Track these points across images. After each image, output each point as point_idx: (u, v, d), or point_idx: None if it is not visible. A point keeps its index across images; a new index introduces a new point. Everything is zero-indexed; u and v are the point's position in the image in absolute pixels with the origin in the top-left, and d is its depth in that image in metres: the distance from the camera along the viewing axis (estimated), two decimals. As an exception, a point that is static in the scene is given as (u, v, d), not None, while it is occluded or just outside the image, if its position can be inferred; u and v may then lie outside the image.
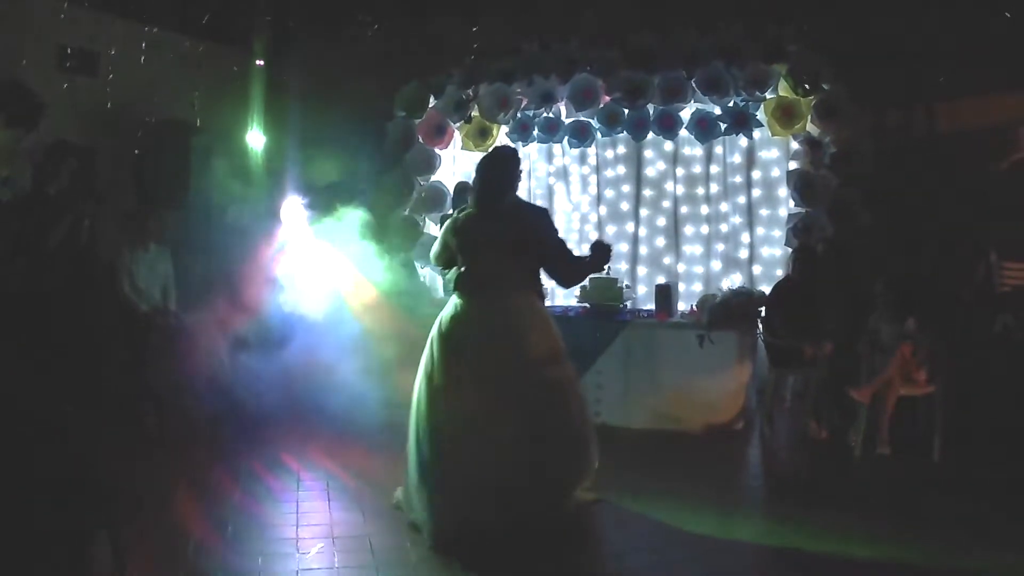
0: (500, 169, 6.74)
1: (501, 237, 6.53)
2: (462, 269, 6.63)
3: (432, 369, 6.49)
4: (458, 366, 6.42)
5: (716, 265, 11.54)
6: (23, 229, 5.54)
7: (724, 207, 11.49)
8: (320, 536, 6.56)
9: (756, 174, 11.29)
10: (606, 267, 7.29)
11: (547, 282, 7.27)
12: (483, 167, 6.77)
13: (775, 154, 11.14)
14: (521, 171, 6.97)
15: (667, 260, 11.79)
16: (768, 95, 10.29)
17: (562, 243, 6.95)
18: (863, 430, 8.68)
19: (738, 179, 11.37)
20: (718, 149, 11.48)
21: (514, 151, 7.12)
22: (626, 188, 12.03)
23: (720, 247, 11.53)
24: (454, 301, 6.62)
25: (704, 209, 11.66)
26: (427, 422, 6.42)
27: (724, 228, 11.50)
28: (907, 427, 8.71)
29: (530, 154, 12.42)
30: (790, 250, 10.13)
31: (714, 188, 11.58)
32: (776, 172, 11.10)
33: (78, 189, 8.16)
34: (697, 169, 11.66)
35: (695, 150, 11.61)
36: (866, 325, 9.03)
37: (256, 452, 8.71)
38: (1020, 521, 6.95)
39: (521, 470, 6.25)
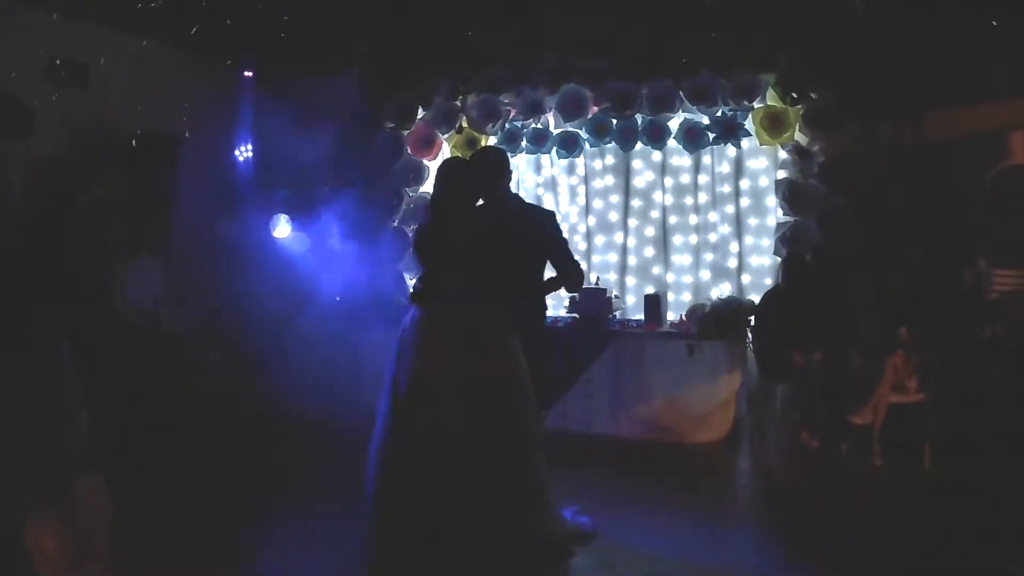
0: (448, 178, 6.61)
1: (451, 247, 6.40)
2: (417, 278, 6.62)
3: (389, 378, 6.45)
4: (398, 379, 6.37)
5: (705, 275, 11.53)
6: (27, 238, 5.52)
7: (713, 217, 11.48)
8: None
9: (744, 183, 11.27)
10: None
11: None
12: (436, 175, 6.69)
13: (763, 163, 11.13)
14: (481, 178, 6.80)
15: (656, 270, 11.77)
16: (756, 104, 10.31)
17: (530, 256, 6.82)
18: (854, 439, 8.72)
19: (726, 188, 11.35)
20: (706, 159, 11.46)
21: (462, 161, 7.18)
22: (614, 199, 12.02)
23: (709, 257, 11.52)
24: (410, 310, 6.54)
25: (693, 219, 11.63)
26: (381, 435, 6.39)
27: (713, 238, 11.49)
28: (897, 435, 8.73)
29: (518, 165, 12.40)
30: (779, 259, 10.14)
31: (703, 198, 11.56)
32: (764, 181, 11.10)
33: (107, 203, 8.22)
34: (686, 179, 11.65)
35: (683, 160, 11.60)
36: (856, 334, 9.04)
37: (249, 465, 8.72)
38: (1015, 528, 6.97)
39: (447, 503, 6.18)
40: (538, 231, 6.87)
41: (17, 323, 4.44)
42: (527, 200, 12.06)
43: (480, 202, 6.80)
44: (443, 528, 6.12)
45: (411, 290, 6.69)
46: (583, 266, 11.68)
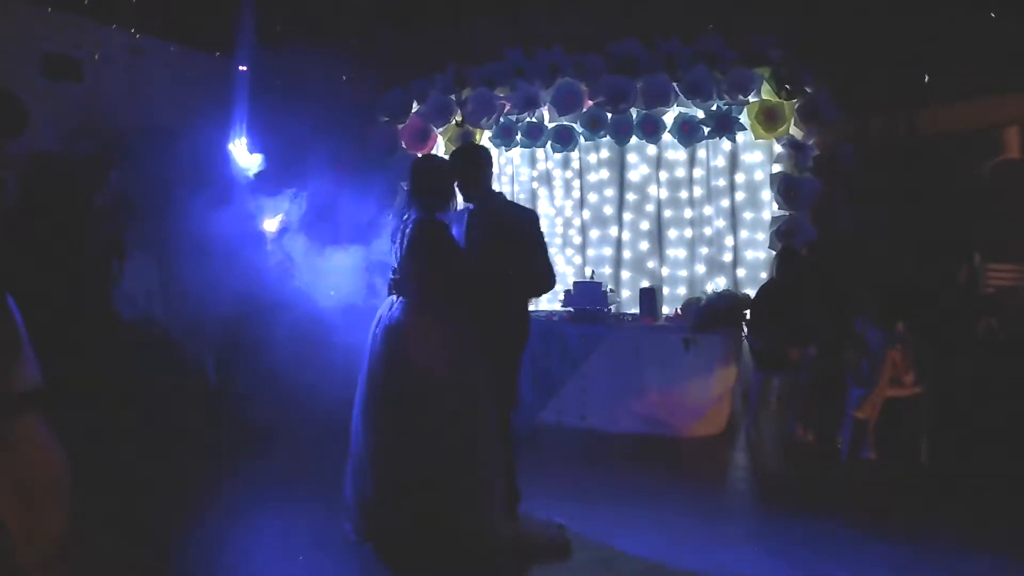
0: (411, 176, 6.68)
1: (406, 243, 6.44)
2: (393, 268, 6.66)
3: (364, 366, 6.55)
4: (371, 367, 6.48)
5: (700, 268, 11.53)
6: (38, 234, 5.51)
7: (708, 210, 11.49)
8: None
9: (740, 177, 11.25)
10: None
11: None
12: (412, 171, 6.71)
13: (759, 157, 11.13)
14: (441, 177, 6.69)
15: (651, 264, 11.78)
16: (751, 98, 10.31)
17: (508, 255, 6.63)
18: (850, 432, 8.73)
19: (721, 182, 11.35)
20: (701, 152, 11.46)
21: (426, 160, 7.13)
22: (609, 192, 12.01)
23: (704, 250, 11.52)
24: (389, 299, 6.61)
25: (688, 212, 11.64)
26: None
27: (708, 231, 11.49)
28: (893, 429, 8.74)
29: (513, 159, 12.44)
30: (774, 253, 10.15)
31: (697, 191, 11.56)
32: (759, 175, 11.10)
33: (121, 200, 8.21)
34: (681, 173, 11.64)
35: (678, 154, 11.59)
36: (851, 328, 9.05)
37: (243, 462, 8.72)
38: (1011, 522, 6.99)
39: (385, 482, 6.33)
40: (519, 231, 6.81)
41: None
42: (519, 196, 12.16)
43: (460, 198, 6.81)
44: (393, 518, 6.31)
45: (390, 279, 6.66)
46: (578, 260, 11.73)
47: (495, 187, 7.18)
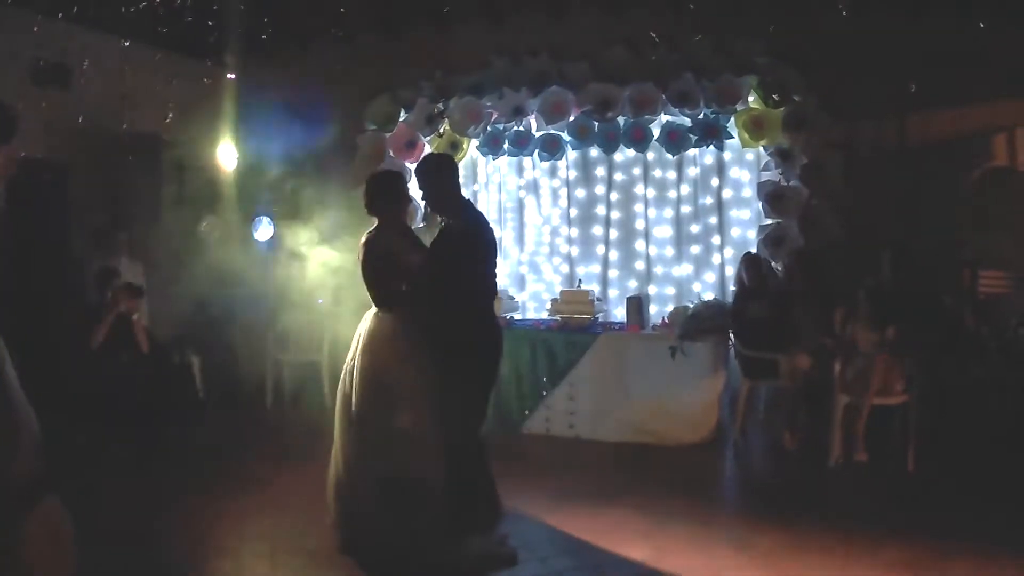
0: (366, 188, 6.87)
1: (363, 256, 6.64)
2: None
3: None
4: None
5: (687, 269, 11.52)
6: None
7: (694, 211, 11.47)
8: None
9: (727, 185, 11.25)
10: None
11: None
12: (371, 184, 6.93)
13: (745, 170, 11.14)
14: (394, 189, 6.91)
15: (640, 265, 11.75)
16: (739, 106, 10.33)
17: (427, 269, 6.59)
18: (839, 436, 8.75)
19: (713, 182, 11.30)
20: (691, 153, 11.36)
21: (383, 174, 7.36)
22: (596, 200, 11.98)
23: (694, 249, 11.46)
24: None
25: (671, 213, 11.62)
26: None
27: (695, 229, 11.46)
28: (881, 436, 8.76)
29: (500, 167, 12.42)
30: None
31: (685, 190, 11.49)
32: (747, 177, 11.12)
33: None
34: (672, 174, 11.55)
35: (665, 162, 11.55)
36: (841, 334, 9.08)
37: (228, 469, 8.72)
38: (999, 527, 7.00)
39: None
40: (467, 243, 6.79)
41: None
42: (506, 204, 12.13)
43: (422, 207, 6.96)
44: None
45: None
46: (565, 269, 11.72)
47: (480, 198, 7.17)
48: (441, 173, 6.80)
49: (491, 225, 7.09)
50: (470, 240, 6.64)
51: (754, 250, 10.35)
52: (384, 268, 6.55)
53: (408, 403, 6.32)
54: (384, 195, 6.81)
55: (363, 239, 6.67)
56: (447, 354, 6.35)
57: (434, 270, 6.46)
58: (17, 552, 3.99)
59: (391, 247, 6.59)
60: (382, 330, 6.51)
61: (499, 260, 7.04)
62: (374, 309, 6.63)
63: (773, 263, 10.04)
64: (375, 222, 6.78)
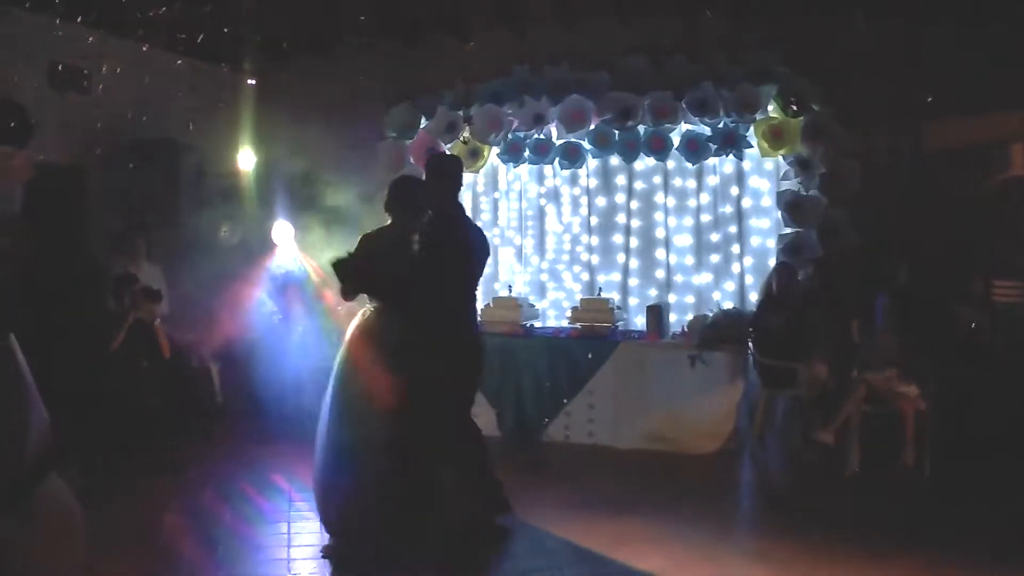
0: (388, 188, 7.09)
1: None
2: None
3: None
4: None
5: (707, 278, 11.44)
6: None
7: (713, 220, 11.42)
8: (312, 557, 6.56)
9: (746, 194, 11.19)
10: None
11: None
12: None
13: (764, 179, 11.09)
14: (409, 196, 6.99)
15: (659, 274, 11.70)
16: (758, 115, 10.29)
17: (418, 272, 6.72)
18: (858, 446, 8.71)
19: (733, 191, 11.25)
20: (710, 162, 11.33)
21: (404, 179, 7.58)
22: (617, 208, 11.93)
23: (713, 258, 11.40)
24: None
25: (691, 222, 11.56)
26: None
27: (715, 238, 11.40)
28: (894, 443, 8.72)
29: (521, 175, 12.39)
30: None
31: (705, 199, 11.44)
32: (766, 186, 11.06)
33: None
34: (692, 183, 11.50)
35: (685, 171, 11.50)
36: (861, 344, 9.05)
37: (246, 472, 8.71)
38: (1015, 534, 7.00)
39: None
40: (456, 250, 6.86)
41: None
42: (526, 212, 12.10)
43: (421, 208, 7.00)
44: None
45: None
46: (585, 277, 11.67)
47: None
48: (440, 174, 7.09)
49: (478, 232, 7.34)
50: (435, 242, 6.79)
51: (773, 260, 10.33)
52: (358, 260, 6.73)
53: (381, 398, 6.41)
54: (399, 199, 6.94)
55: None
56: (415, 354, 6.47)
57: (399, 269, 6.62)
58: (30, 528, 4.04)
59: (375, 246, 6.81)
60: (366, 326, 6.70)
61: (480, 267, 7.07)
62: (368, 305, 6.79)
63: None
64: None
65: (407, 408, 6.36)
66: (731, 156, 10.77)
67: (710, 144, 10.61)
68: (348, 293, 6.77)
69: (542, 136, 11.39)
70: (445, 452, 6.80)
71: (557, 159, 11.42)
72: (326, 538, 6.72)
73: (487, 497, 6.96)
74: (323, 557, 6.53)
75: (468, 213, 8.09)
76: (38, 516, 4.14)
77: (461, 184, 7.30)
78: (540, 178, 12.40)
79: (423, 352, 6.48)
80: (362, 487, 6.33)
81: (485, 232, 7.69)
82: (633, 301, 11.76)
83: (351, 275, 6.65)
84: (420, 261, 6.68)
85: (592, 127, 11.03)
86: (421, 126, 11.86)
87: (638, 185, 11.80)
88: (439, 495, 6.73)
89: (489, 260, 7.77)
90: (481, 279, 7.44)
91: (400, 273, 6.59)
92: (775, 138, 10.28)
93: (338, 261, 6.61)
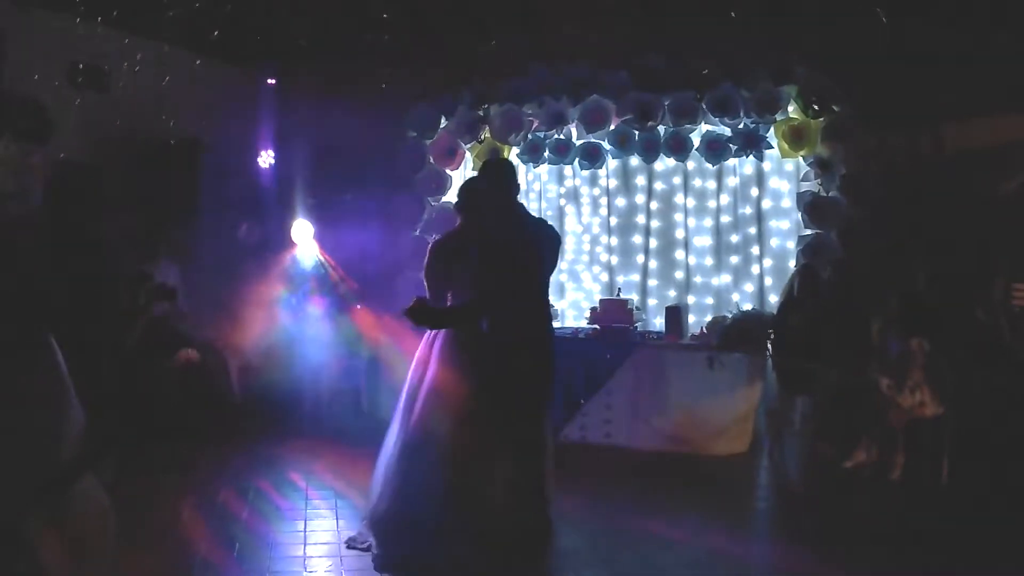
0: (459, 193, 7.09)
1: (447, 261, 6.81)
2: None
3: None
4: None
5: (726, 279, 11.47)
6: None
7: (733, 221, 11.43)
8: (328, 555, 6.55)
9: (766, 195, 11.19)
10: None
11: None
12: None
13: (784, 180, 11.07)
14: (465, 199, 6.98)
15: (679, 275, 11.72)
16: (779, 116, 10.26)
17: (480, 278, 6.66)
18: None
19: (753, 192, 11.26)
20: (730, 163, 11.32)
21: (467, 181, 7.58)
22: (636, 209, 11.94)
23: (733, 259, 11.41)
24: None
25: (711, 223, 11.58)
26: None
27: (735, 239, 11.41)
28: (913, 449, 8.68)
29: (541, 175, 12.41)
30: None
31: (724, 200, 11.46)
32: (786, 187, 11.04)
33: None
34: (711, 184, 11.52)
35: (705, 171, 11.50)
36: (879, 347, 9.01)
37: (263, 470, 8.72)
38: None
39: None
40: (526, 249, 6.80)
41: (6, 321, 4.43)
42: (546, 212, 12.09)
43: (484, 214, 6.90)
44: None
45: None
46: (605, 277, 11.68)
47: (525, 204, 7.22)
48: (501, 176, 7.05)
49: (547, 227, 7.35)
50: (511, 243, 6.72)
51: (793, 262, 10.31)
52: (428, 271, 6.80)
53: (467, 416, 6.37)
54: (466, 202, 6.92)
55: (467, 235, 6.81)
56: (498, 362, 6.49)
57: (477, 279, 6.54)
58: (66, 522, 4.10)
59: (441, 255, 6.78)
60: (452, 339, 6.60)
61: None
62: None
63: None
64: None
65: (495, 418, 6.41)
66: (751, 157, 10.73)
67: (730, 145, 10.57)
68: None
69: (562, 136, 11.37)
70: (517, 457, 6.67)
71: (577, 159, 11.38)
72: (342, 535, 6.74)
73: (536, 511, 6.90)
74: (348, 548, 6.57)
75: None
76: (72, 512, 4.18)
77: (519, 187, 7.35)
78: (560, 178, 12.42)
79: (507, 358, 6.48)
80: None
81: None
82: (652, 302, 11.76)
83: (430, 320, 6.63)
84: (498, 263, 6.61)
85: (612, 127, 11.01)
86: (441, 126, 11.85)
87: (658, 186, 11.83)
88: (494, 500, 6.60)
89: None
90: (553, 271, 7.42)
91: (484, 291, 6.56)
92: (795, 139, 10.24)
93: (412, 310, 6.52)
